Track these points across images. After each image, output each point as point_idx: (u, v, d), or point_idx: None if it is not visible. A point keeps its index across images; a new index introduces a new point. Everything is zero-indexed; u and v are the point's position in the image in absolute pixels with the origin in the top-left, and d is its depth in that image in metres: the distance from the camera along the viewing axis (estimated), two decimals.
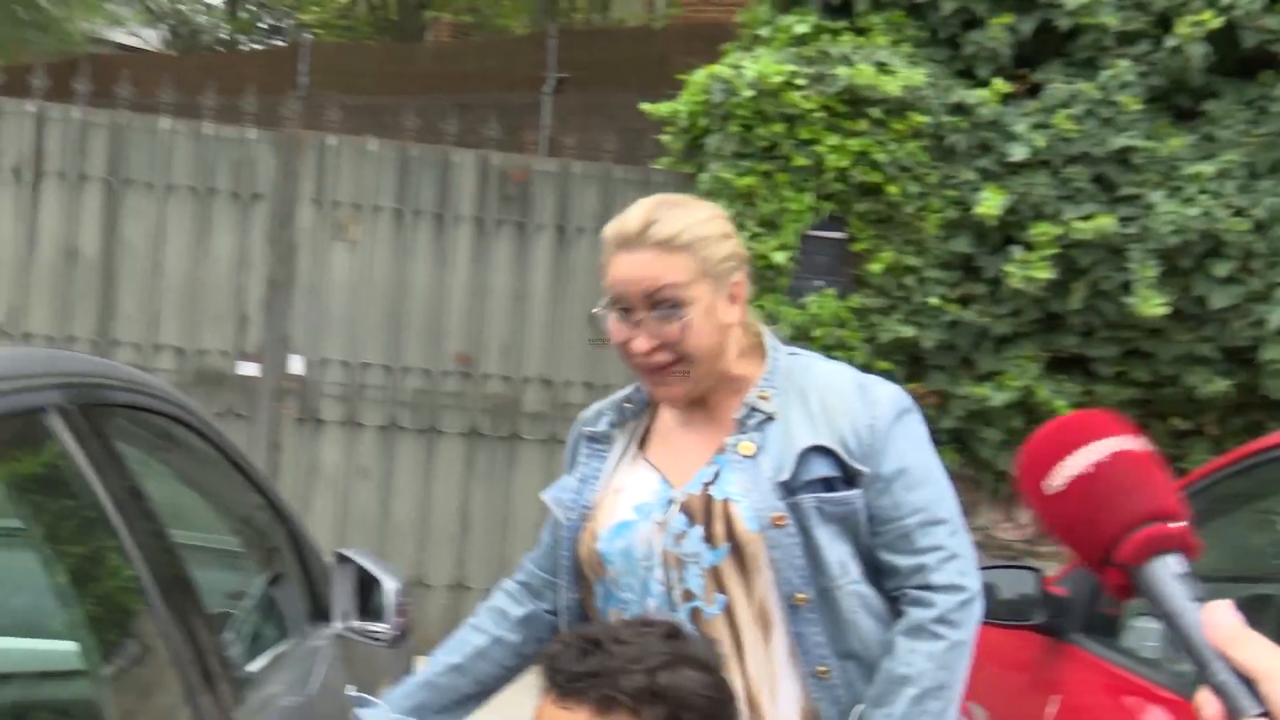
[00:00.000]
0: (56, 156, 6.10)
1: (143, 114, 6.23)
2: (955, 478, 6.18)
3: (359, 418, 6.27)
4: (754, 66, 5.94)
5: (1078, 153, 5.90)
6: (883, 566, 1.88)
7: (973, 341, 6.03)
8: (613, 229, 1.94)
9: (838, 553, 1.85)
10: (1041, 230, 5.78)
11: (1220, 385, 5.83)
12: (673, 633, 1.48)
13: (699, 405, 1.96)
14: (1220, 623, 0.91)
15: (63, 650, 1.82)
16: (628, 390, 2.06)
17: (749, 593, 1.85)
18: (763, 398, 1.91)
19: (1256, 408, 5.86)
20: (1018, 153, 5.91)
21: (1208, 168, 5.75)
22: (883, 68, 5.98)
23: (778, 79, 5.88)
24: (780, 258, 5.96)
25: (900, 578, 1.87)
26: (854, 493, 1.86)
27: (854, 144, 5.92)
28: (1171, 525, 0.97)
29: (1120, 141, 5.85)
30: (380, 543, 5.92)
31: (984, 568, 3.25)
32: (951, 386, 6.05)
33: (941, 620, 1.82)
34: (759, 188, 5.98)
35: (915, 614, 1.84)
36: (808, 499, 1.85)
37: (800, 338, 6.01)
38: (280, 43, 18.48)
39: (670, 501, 1.89)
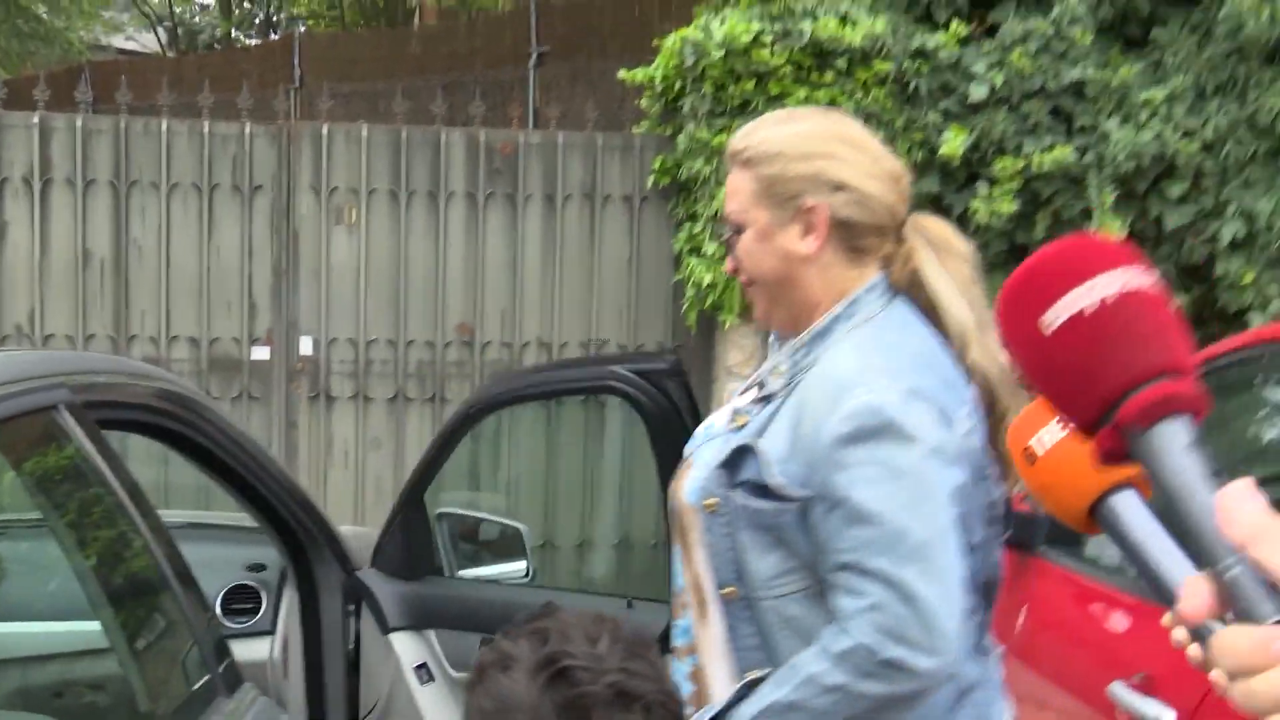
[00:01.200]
0: (63, 164, 6.15)
1: (143, 117, 6.27)
2: None
3: (368, 392, 6.35)
4: (722, 28, 5.95)
5: (1034, 88, 5.92)
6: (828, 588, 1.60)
7: None
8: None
9: (767, 564, 1.61)
10: (1004, 165, 5.81)
11: (1179, 300, 5.86)
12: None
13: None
14: (1241, 511, 0.73)
15: (89, 630, 1.91)
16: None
17: (686, 563, 1.71)
18: (775, 373, 1.69)
19: (1215, 320, 5.91)
20: (977, 92, 5.93)
21: (1158, 93, 5.77)
22: (845, 19, 5.99)
23: (746, 37, 5.89)
24: None
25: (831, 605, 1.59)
26: (786, 505, 1.58)
27: (822, 95, 5.93)
28: (1187, 382, 0.79)
29: (1074, 74, 5.87)
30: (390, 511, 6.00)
31: None
32: None
33: (839, 662, 1.53)
34: None
35: (824, 638, 1.57)
36: (738, 496, 1.62)
37: None
38: (274, 36, 18.41)
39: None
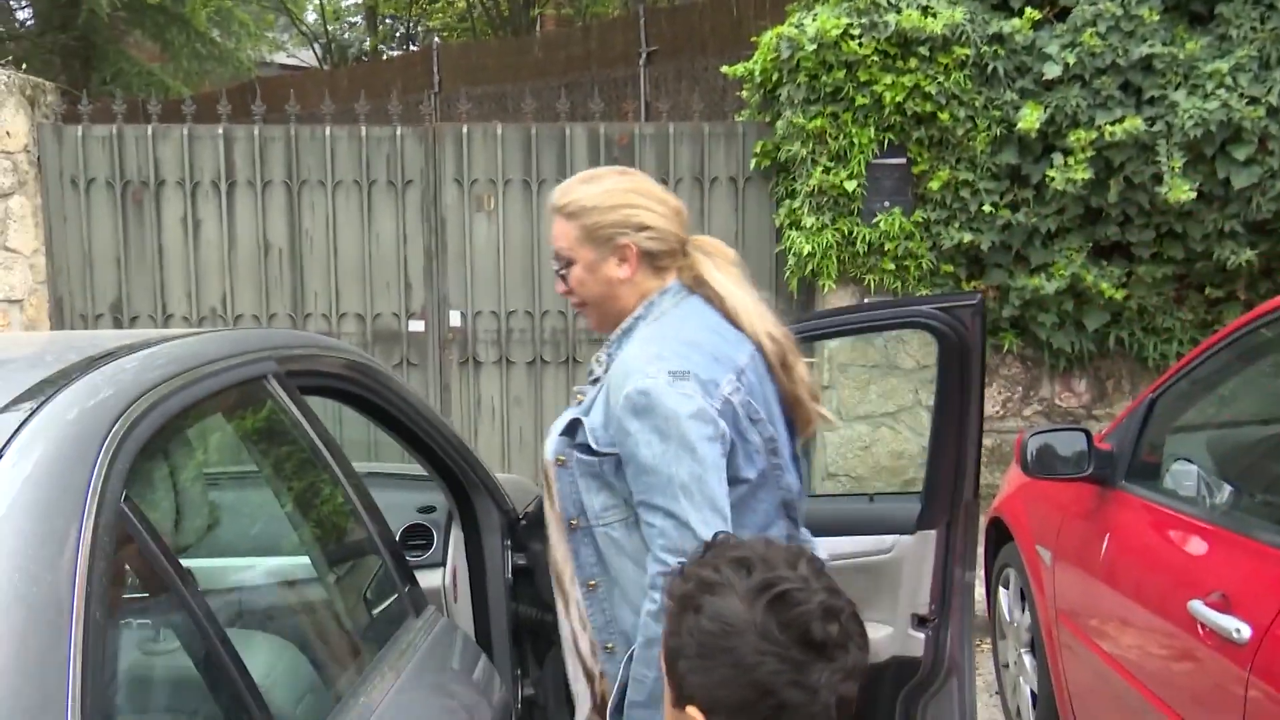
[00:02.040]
0: (244, 168, 6.35)
1: (309, 124, 6.44)
2: (1017, 358, 6.16)
3: (510, 357, 6.46)
4: (813, 23, 5.89)
5: (1105, 64, 5.74)
6: None
7: (1024, 239, 5.95)
8: None
9: (598, 500, 1.91)
10: (1077, 136, 5.66)
11: (1247, 255, 5.67)
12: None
13: None
14: None
15: (298, 564, 2.00)
16: None
17: (551, 504, 1.99)
18: (598, 363, 2.01)
19: None
20: (1052, 71, 5.78)
21: (1223, 65, 5.56)
22: (927, 10, 5.88)
23: (835, 31, 5.82)
24: (851, 186, 5.94)
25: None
26: (597, 459, 1.89)
27: (907, 80, 5.85)
28: None
29: (1143, 50, 5.68)
30: (536, 460, 6.13)
31: (1042, 431, 3.31)
32: (1009, 280, 5.99)
33: (652, 585, 1.80)
34: (828, 127, 5.95)
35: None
36: (576, 453, 1.92)
37: (874, 252, 6.01)
38: (414, 48, 18.64)
39: None
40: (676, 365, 1.84)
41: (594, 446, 1.88)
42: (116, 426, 1.33)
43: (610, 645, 1.92)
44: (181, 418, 1.61)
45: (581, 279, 1.99)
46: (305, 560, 1.91)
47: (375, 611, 1.94)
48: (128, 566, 1.28)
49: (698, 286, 2.02)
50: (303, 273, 6.40)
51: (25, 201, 6.17)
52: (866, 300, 5.94)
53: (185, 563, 1.79)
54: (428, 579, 2.88)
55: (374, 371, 2.39)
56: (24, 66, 7.66)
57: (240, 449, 1.94)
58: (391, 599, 1.93)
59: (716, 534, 1.39)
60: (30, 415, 1.27)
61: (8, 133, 6.11)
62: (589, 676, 1.99)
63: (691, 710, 1.20)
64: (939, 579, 2.89)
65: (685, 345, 1.89)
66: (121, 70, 12.38)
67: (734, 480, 1.87)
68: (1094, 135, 5.64)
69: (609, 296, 1.99)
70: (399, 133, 6.39)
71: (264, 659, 1.75)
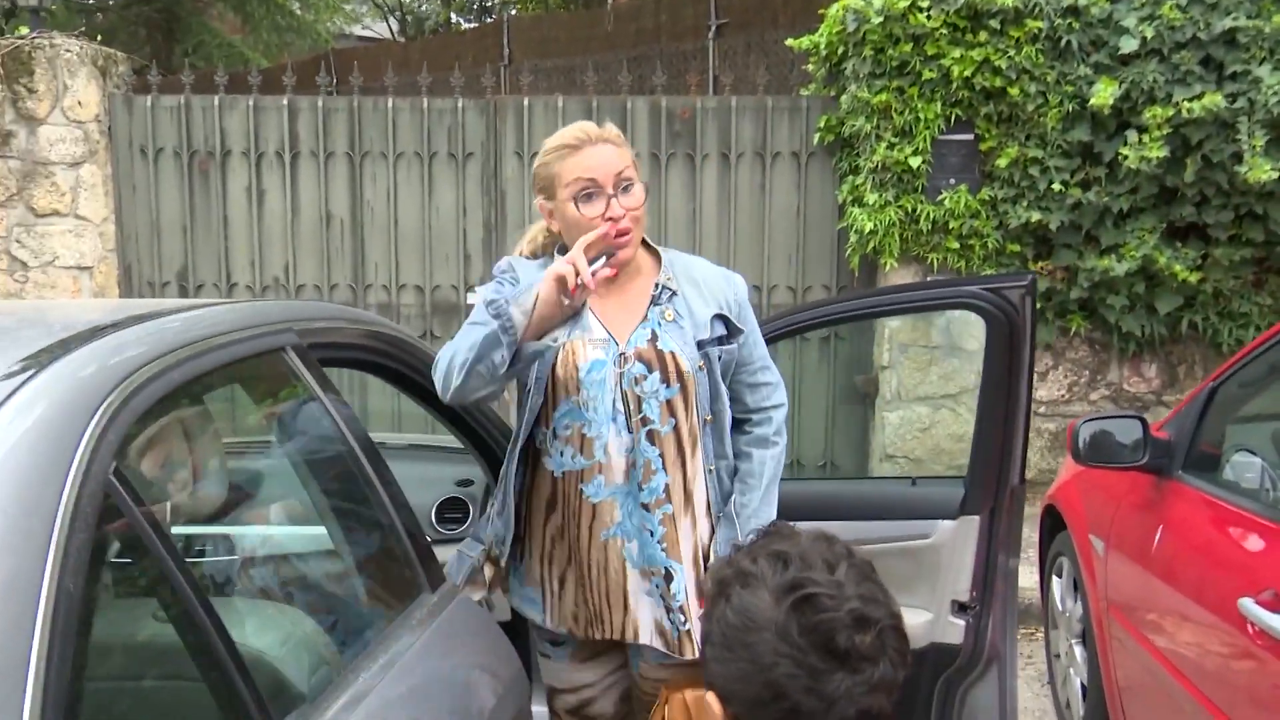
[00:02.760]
0: (308, 139, 6.40)
1: (373, 96, 6.47)
2: (1085, 341, 6.00)
3: None
4: None
5: (1186, 38, 5.53)
6: (736, 395, 2.29)
7: (1095, 219, 5.77)
8: (573, 134, 2.16)
9: (724, 387, 2.23)
10: (1154, 113, 5.47)
11: None
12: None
13: (612, 280, 2.17)
14: None
15: (318, 535, 2.00)
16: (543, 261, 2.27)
17: (687, 415, 2.17)
18: (669, 279, 2.22)
19: None
20: (1128, 45, 5.58)
21: None
22: None
23: (903, 3, 5.69)
24: (916, 162, 5.81)
25: (747, 403, 2.30)
26: (735, 345, 2.24)
27: (976, 54, 5.70)
28: None
29: (1225, 23, 5.46)
30: None
31: (1095, 418, 3.20)
32: (1078, 261, 5.82)
33: (778, 432, 2.31)
34: (893, 102, 5.83)
35: (759, 430, 2.30)
36: (714, 350, 2.20)
37: (938, 230, 5.88)
38: (488, 20, 18.67)
39: (622, 355, 2.15)
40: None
41: (735, 324, 2.22)
42: (111, 398, 1.32)
43: (728, 511, 2.23)
44: (190, 388, 1.60)
45: (641, 199, 2.17)
46: (319, 532, 1.91)
47: (388, 585, 1.93)
48: (114, 539, 1.28)
49: None
50: (363, 244, 6.44)
51: (96, 170, 6.29)
52: (919, 280, 5.82)
53: (196, 531, 1.80)
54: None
55: (404, 343, 2.38)
56: (99, 38, 7.78)
57: (257, 420, 1.94)
58: (405, 573, 1.92)
59: (773, 522, 1.37)
60: (27, 380, 1.27)
61: (79, 102, 6.22)
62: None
63: (710, 697, 1.19)
64: (981, 565, 2.82)
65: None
66: (203, 42, 12.58)
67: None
68: (1171, 112, 5.44)
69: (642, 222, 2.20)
70: (460, 105, 6.39)
71: (274, 628, 1.75)
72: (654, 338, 2.15)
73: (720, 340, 2.21)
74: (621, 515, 2.13)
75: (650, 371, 2.13)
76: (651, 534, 2.13)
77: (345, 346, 2.10)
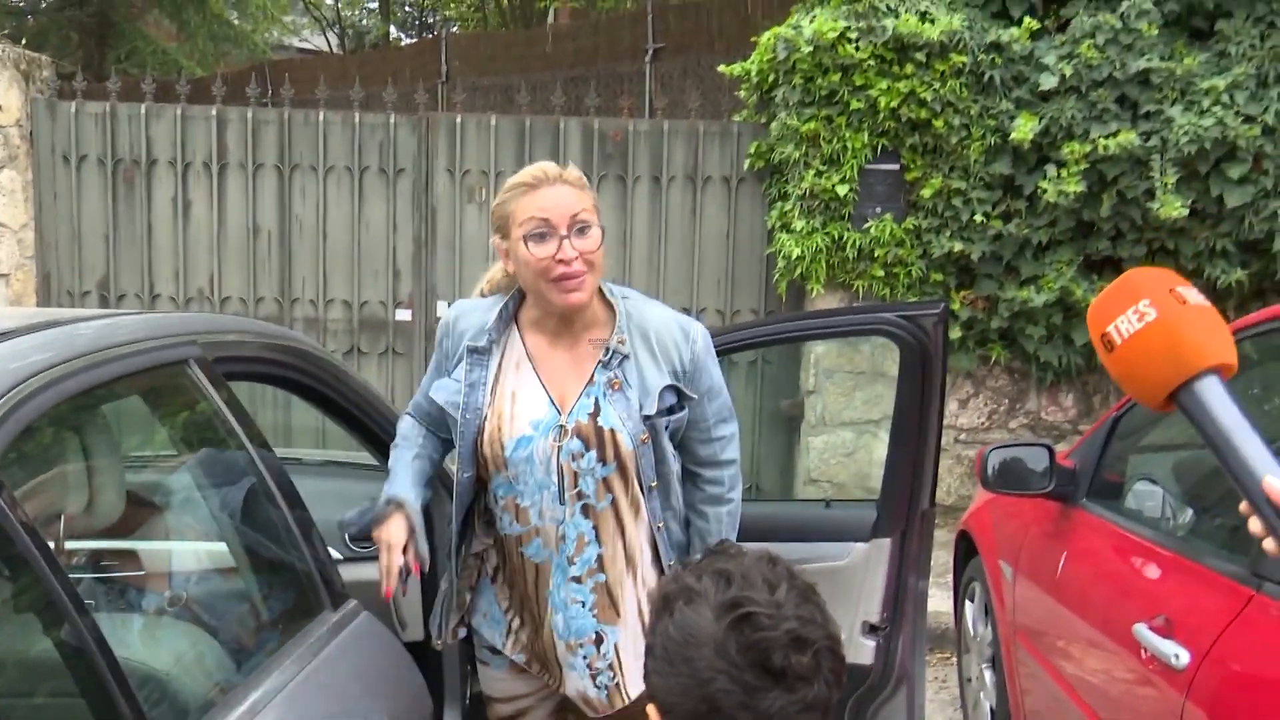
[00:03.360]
0: (237, 150, 6.33)
1: (305, 109, 6.42)
2: (1005, 370, 6.10)
3: None
4: (811, 25, 5.85)
5: (1102, 77, 5.69)
6: (687, 447, 2.22)
7: (1015, 251, 5.90)
8: (531, 174, 2.11)
9: (671, 450, 2.16)
10: (1071, 149, 5.61)
11: (1238, 275, 5.62)
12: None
13: (565, 329, 2.14)
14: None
15: (217, 550, 1.97)
16: (497, 309, 2.19)
17: (627, 490, 2.12)
18: (620, 341, 2.12)
19: (1272, 293, 5.64)
20: (1048, 82, 5.72)
21: (1220, 81, 5.50)
22: (925, 16, 5.83)
23: (832, 34, 5.78)
24: (843, 190, 5.90)
25: (699, 457, 2.23)
26: (684, 413, 2.16)
27: (903, 86, 5.80)
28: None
29: (1140, 64, 5.63)
30: None
31: (1003, 446, 3.26)
32: (998, 291, 5.94)
33: (732, 488, 2.25)
34: (822, 130, 5.91)
35: (712, 490, 2.25)
36: (660, 421, 2.12)
37: (864, 257, 5.96)
38: (429, 36, 18.62)
39: (561, 427, 2.09)
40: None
41: (686, 391, 2.14)
42: None
43: (671, 563, 2.16)
44: (86, 398, 1.58)
45: (598, 243, 2.10)
46: (218, 547, 1.88)
47: (286, 602, 1.91)
48: None
49: None
50: (291, 257, 6.38)
51: (16, 176, 6.16)
52: (842, 306, 5.90)
53: (88, 545, 1.76)
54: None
55: (314, 358, 2.35)
56: (24, 42, 7.63)
57: (158, 433, 1.91)
58: (306, 590, 1.90)
59: (721, 541, 1.40)
60: None
61: (0, 106, 6.10)
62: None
63: (651, 709, 1.22)
64: (892, 587, 2.86)
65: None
66: (137, 49, 12.38)
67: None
68: (1088, 148, 5.59)
69: (602, 268, 2.14)
70: (393, 120, 6.36)
71: (166, 645, 1.72)
72: (596, 411, 2.09)
73: (670, 410, 2.14)
74: (553, 585, 2.13)
75: (588, 450, 2.07)
76: (582, 604, 2.12)
77: (252, 360, 2.07)
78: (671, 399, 2.13)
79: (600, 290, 2.17)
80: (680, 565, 1.31)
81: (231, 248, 6.35)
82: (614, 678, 2.14)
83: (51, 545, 1.36)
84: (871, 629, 2.86)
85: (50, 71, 6.45)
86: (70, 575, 1.34)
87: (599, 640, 2.13)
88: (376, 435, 2.54)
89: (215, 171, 6.29)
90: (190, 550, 1.99)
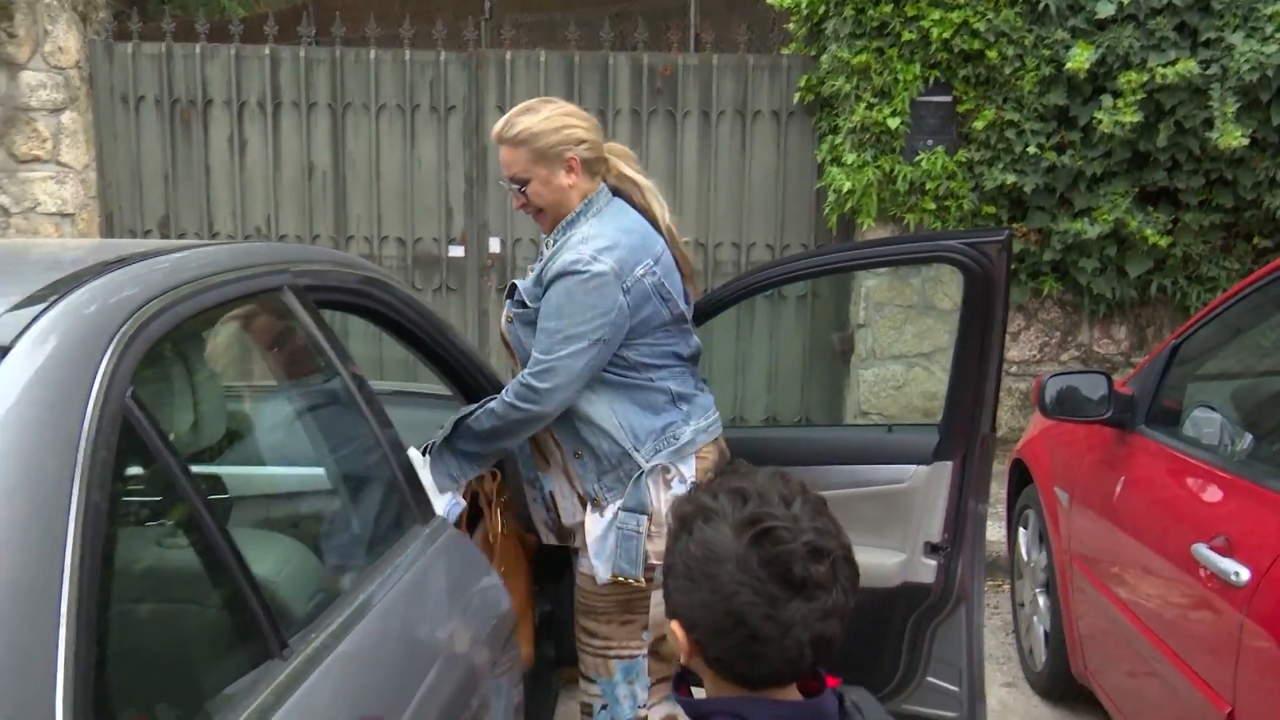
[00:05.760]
0: (290, 89, 6.39)
1: (355, 47, 6.45)
2: (1057, 303, 6.09)
3: None
4: None
5: (1161, 4, 5.60)
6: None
7: (1069, 183, 5.86)
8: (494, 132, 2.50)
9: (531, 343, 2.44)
10: (1128, 78, 5.55)
11: None
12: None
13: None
14: None
15: (309, 470, 2.07)
16: None
17: (515, 362, 2.56)
18: (546, 245, 2.51)
19: None
20: (1105, 10, 5.65)
21: None
22: None
23: None
24: (894, 123, 5.87)
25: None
26: (529, 310, 2.45)
27: (955, 16, 5.75)
28: None
29: None
30: None
31: (1061, 374, 3.30)
32: (1051, 224, 5.92)
33: (509, 395, 2.41)
34: (873, 62, 5.88)
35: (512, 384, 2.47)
36: (513, 310, 2.51)
37: (914, 191, 5.96)
38: None
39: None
40: (607, 244, 2.37)
41: (526, 302, 2.44)
42: (127, 325, 1.38)
43: (579, 452, 2.47)
44: (195, 322, 1.66)
45: (538, 192, 2.46)
46: (315, 468, 1.97)
47: (382, 518, 2.00)
48: (131, 457, 1.34)
49: (619, 182, 2.54)
50: (346, 196, 6.46)
51: (77, 117, 6.27)
52: (892, 235, 5.90)
53: (197, 466, 1.86)
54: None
55: (391, 288, 2.43)
56: None
57: (256, 357, 1.99)
58: (399, 507, 2.00)
59: (731, 460, 1.43)
60: (44, 311, 1.33)
61: (60, 49, 6.19)
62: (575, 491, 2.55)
63: (675, 625, 1.27)
64: (953, 509, 2.92)
65: (620, 231, 2.43)
66: None
67: (651, 341, 2.45)
68: (1145, 77, 5.52)
69: (560, 202, 2.47)
70: (443, 58, 6.39)
71: (272, 557, 1.82)
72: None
73: (523, 305, 2.49)
74: None
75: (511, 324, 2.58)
76: (521, 448, 2.59)
77: (337, 289, 2.15)
78: (518, 295, 2.50)
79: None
80: (694, 487, 1.35)
81: (287, 186, 6.43)
82: (552, 514, 2.59)
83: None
84: (933, 549, 2.94)
85: (106, 13, 6.52)
86: (201, 486, 1.43)
87: (539, 484, 2.60)
88: (452, 367, 2.63)
89: (270, 111, 6.36)
90: (290, 471, 2.09)
